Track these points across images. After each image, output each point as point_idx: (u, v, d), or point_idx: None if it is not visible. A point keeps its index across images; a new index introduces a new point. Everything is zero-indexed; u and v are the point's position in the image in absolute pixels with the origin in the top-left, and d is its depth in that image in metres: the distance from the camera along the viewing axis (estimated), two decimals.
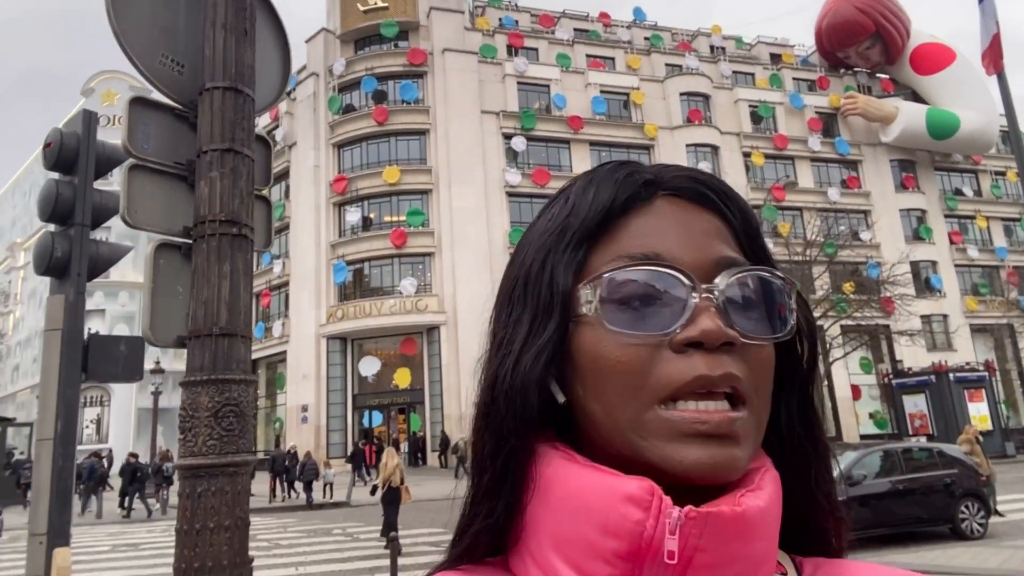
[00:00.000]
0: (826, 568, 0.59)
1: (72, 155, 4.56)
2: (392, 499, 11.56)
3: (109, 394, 47.80)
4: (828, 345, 27.49)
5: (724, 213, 0.58)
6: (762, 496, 0.51)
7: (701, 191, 0.58)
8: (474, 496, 0.57)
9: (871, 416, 36.04)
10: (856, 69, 42.95)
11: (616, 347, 0.52)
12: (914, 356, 33.73)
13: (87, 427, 46.22)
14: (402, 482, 11.87)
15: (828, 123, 40.96)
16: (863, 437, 32.79)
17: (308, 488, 20.80)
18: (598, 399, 0.53)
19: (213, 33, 2.66)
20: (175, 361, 45.89)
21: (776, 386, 0.57)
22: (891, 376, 30.97)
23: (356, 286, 33.35)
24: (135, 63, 2.69)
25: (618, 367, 0.52)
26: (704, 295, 0.52)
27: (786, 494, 0.55)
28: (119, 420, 47.64)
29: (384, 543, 11.05)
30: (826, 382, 33.55)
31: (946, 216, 41.66)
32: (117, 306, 49.42)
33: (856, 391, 35.91)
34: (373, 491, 12.61)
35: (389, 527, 11.43)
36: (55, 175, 4.67)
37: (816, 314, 26.08)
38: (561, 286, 0.55)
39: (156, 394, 28.63)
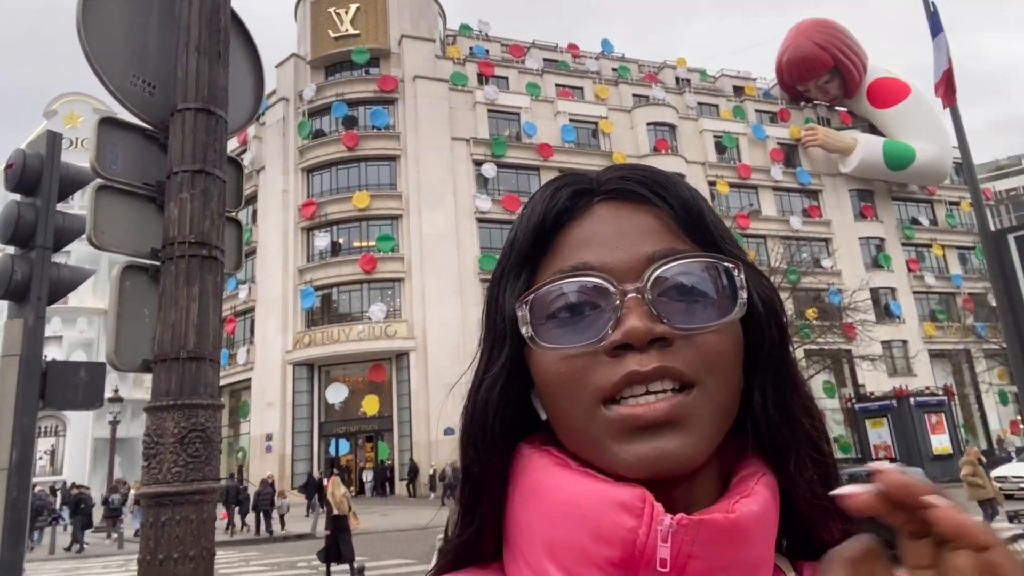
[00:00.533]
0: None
1: (35, 176, 4.46)
2: (341, 527, 11.64)
3: (64, 424, 46.22)
4: None
5: (660, 205, 0.57)
6: (756, 501, 0.51)
7: (633, 189, 0.57)
8: (460, 511, 0.59)
9: (835, 440, 36.49)
10: (816, 102, 44.35)
11: (555, 361, 0.53)
12: (876, 381, 34.43)
13: (40, 459, 44.53)
14: (350, 509, 12.05)
15: (789, 154, 42.13)
16: None
17: (267, 517, 20.44)
18: (553, 412, 0.55)
19: (186, 55, 2.65)
20: (134, 390, 44.65)
21: (749, 370, 0.56)
22: (854, 400, 31.53)
23: (324, 312, 32.97)
24: (105, 83, 2.66)
25: (559, 379, 0.53)
26: (630, 295, 0.52)
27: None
28: (74, 451, 46.02)
29: (324, 567, 11.51)
30: None
31: (904, 244, 42.93)
32: (75, 332, 48.05)
33: None
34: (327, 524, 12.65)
35: (337, 554, 11.43)
36: (16, 197, 4.56)
37: None
38: (507, 311, 0.57)
39: (114, 423, 27.71)
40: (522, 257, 0.58)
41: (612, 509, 0.49)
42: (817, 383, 34.57)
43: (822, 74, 42.34)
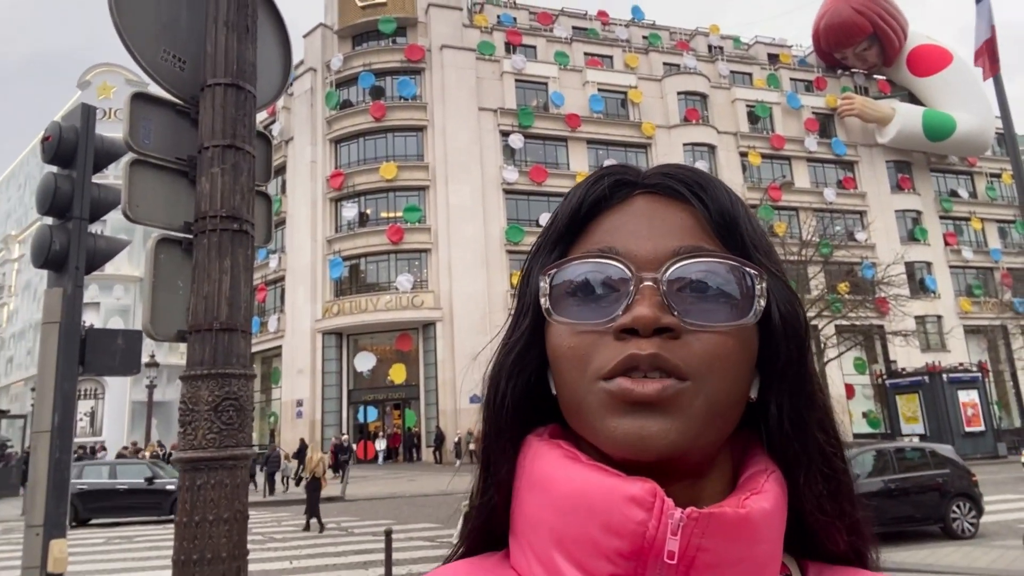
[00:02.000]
0: (828, 574, 0.59)
1: (71, 149, 4.56)
2: (315, 487, 14.01)
3: (103, 387, 47.72)
4: (823, 344, 27.60)
5: (697, 205, 0.59)
6: (767, 499, 0.52)
7: (673, 186, 0.60)
8: (478, 489, 0.61)
9: (864, 415, 36.22)
10: (853, 70, 43.05)
11: (566, 336, 0.55)
12: (908, 357, 33.88)
13: (81, 420, 46.13)
14: (324, 473, 14.65)
15: (825, 124, 41.06)
16: (856, 436, 32.94)
17: (271, 479, 21.58)
18: (560, 385, 0.57)
19: (215, 30, 2.68)
20: (170, 355, 45.82)
21: (766, 383, 0.58)
22: (885, 376, 31.12)
23: (352, 282, 33.34)
24: (137, 58, 2.71)
25: (568, 353, 0.55)
26: (646, 283, 0.53)
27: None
28: (113, 413, 47.57)
29: (304, 524, 13.94)
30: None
31: (941, 218, 41.83)
32: (112, 299, 49.33)
33: (850, 390, 36.07)
34: (298, 482, 15.56)
35: (312, 511, 13.79)
36: (53, 168, 4.67)
37: (811, 313, 26.17)
38: (533, 285, 0.60)
39: (151, 388, 28.57)
40: (558, 235, 0.61)
41: (623, 502, 0.50)
42: (848, 359, 34.16)
43: (860, 40, 41.03)
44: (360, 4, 35.81)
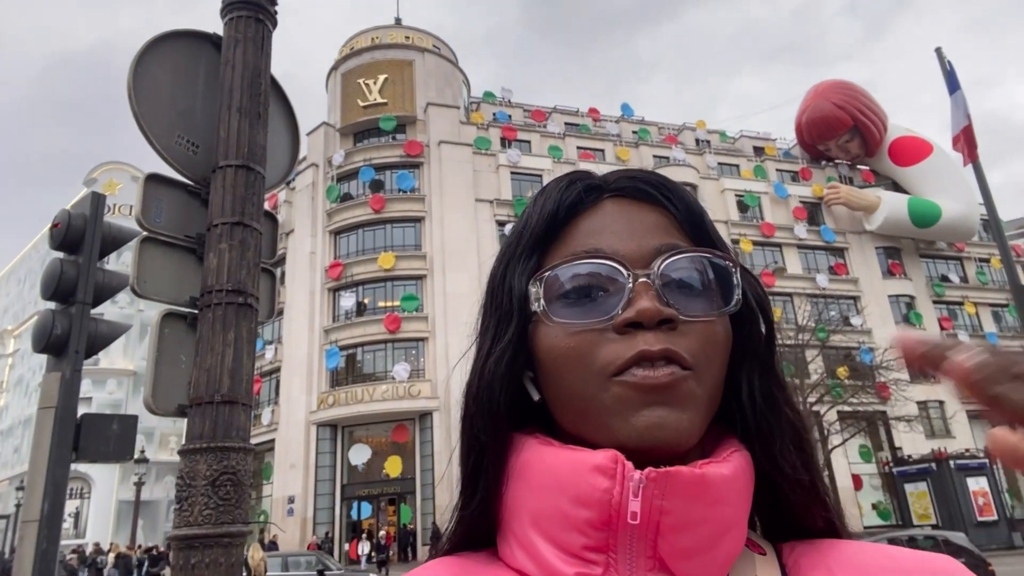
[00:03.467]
0: (803, 548, 0.60)
1: (79, 235, 4.65)
2: None
3: (90, 485, 46.33)
4: (826, 432, 27.16)
5: (666, 206, 0.62)
6: (726, 466, 0.54)
7: (641, 188, 0.63)
8: (460, 491, 0.62)
9: (874, 507, 35.13)
10: (837, 161, 44.55)
11: (564, 336, 0.56)
12: (913, 443, 33.27)
13: (64, 521, 44.45)
14: (264, 571, 14.34)
15: (813, 212, 42.08)
16: (866, 528, 31.86)
17: None
18: (559, 387, 0.57)
19: (228, 116, 2.82)
20: (160, 451, 44.78)
21: (737, 363, 0.60)
22: (891, 464, 30.46)
23: (348, 372, 33.08)
24: (152, 143, 2.82)
25: (569, 354, 0.56)
26: (641, 279, 0.56)
27: (759, 472, 0.58)
28: (98, 513, 45.93)
29: None
30: (826, 471, 32.90)
31: (935, 302, 42.14)
32: (105, 394, 48.70)
33: (857, 481, 35.15)
34: None
35: None
36: (59, 254, 4.75)
37: (812, 399, 25.91)
38: (517, 290, 0.60)
39: (139, 484, 27.74)
40: (534, 241, 0.62)
41: (588, 472, 0.52)
42: (853, 448, 33.51)
43: (842, 133, 42.68)
44: (362, 104, 37.39)
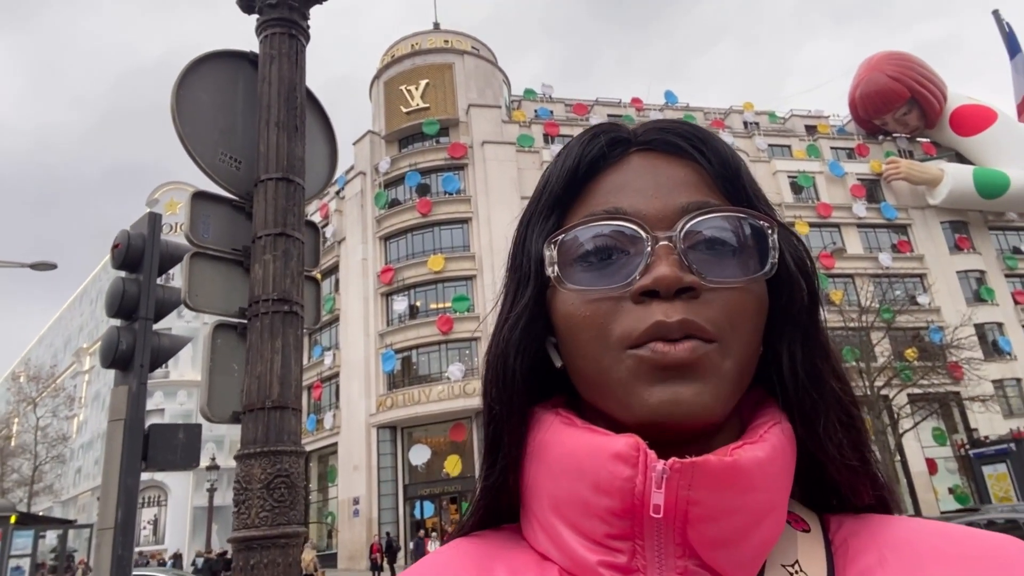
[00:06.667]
0: (852, 525, 0.55)
1: (138, 255, 4.87)
2: None
3: (166, 493, 48.36)
4: (896, 415, 26.20)
5: (698, 159, 0.57)
6: (762, 448, 0.49)
7: (671, 140, 0.57)
8: (482, 460, 0.60)
9: (951, 491, 33.71)
10: (895, 134, 42.85)
11: (580, 304, 0.52)
12: (991, 423, 31.79)
13: (144, 528, 46.55)
14: (316, 569, 15.38)
15: (872, 189, 40.60)
16: (943, 514, 30.62)
17: None
18: (576, 356, 0.54)
19: (267, 131, 2.90)
20: (230, 458, 46.39)
21: (777, 333, 0.55)
22: (968, 446, 29.17)
23: (404, 374, 33.61)
24: (197, 161, 2.93)
25: (584, 323, 0.52)
26: (662, 242, 0.51)
27: (802, 447, 0.54)
28: (175, 519, 47.91)
29: None
30: (898, 456, 31.75)
31: (1007, 275, 40.13)
32: (176, 404, 50.76)
33: (932, 465, 33.79)
34: None
35: None
36: (121, 273, 4.98)
37: (879, 383, 25.01)
38: (534, 253, 0.57)
39: (212, 491, 28.82)
40: (554, 199, 0.58)
41: (608, 460, 0.48)
42: (926, 431, 32.23)
43: (899, 106, 41.02)
44: (405, 110, 37.89)
